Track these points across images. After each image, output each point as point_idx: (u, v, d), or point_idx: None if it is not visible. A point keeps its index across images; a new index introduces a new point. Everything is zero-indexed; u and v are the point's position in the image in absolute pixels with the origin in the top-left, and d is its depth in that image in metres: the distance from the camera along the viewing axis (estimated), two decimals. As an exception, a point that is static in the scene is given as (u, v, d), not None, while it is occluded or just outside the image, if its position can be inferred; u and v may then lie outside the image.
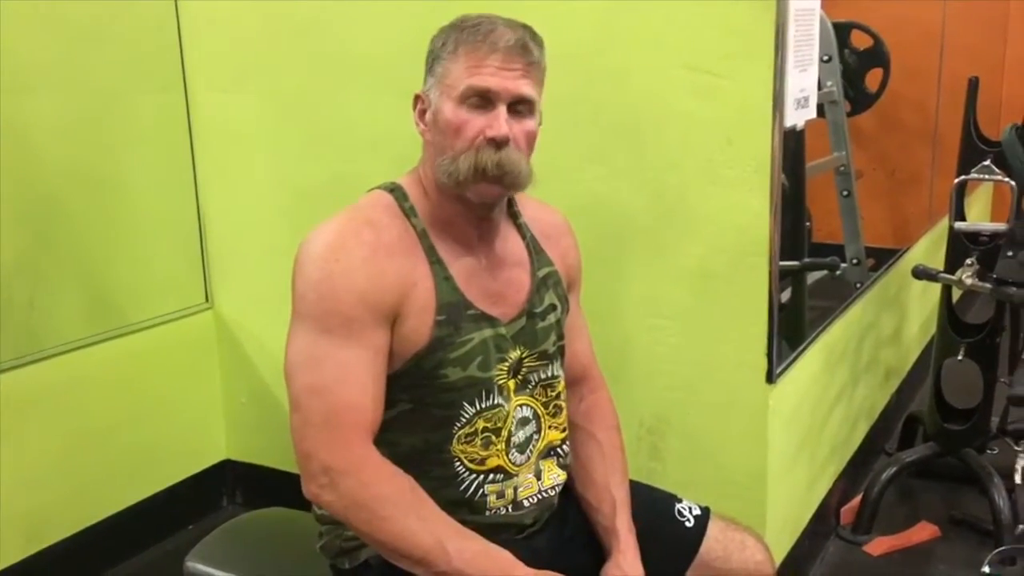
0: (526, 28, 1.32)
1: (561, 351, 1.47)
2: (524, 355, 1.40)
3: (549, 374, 1.44)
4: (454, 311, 1.32)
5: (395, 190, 1.37)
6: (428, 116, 1.34)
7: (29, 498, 2.22)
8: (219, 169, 2.54)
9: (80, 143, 2.31)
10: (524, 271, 1.43)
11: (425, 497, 1.27)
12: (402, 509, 1.23)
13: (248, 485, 2.71)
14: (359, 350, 1.26)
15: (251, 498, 2.69)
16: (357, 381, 1.26)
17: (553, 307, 1.44)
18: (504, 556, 1.26)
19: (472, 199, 1.32)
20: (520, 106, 1.30)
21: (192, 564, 1.58)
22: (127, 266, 2.45)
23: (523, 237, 1.45)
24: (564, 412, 1.48)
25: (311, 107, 2.32)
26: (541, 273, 1.44)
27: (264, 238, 2.49)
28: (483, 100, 1.28)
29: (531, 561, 1.30)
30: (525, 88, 1.29)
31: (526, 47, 1.29)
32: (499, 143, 1.27)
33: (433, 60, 1.33)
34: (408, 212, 1.35)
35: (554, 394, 1.45)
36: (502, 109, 1.28)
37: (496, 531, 1.35)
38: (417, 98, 1.37)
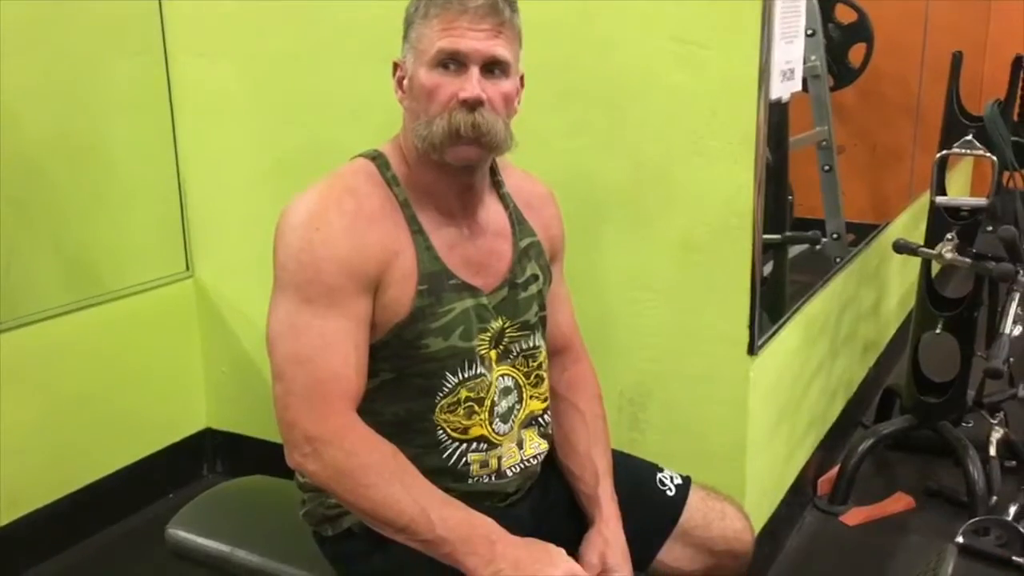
0: None
1: (543, 321, 1.47)
2: (506, 325, 1.40)
3: (531, 344, 1.44)
4: (435, 281, 1.32)
5: (377, 158, 1.36)
6: (405, 83, 1.33)
7: (7, 465, 2.21)
8: (199, 135, 2.51)
9: (58, 108, 2.28)
10: (506, 241, 1.42)
11: (408, 465, 1.27)
12: (385, 477, 1.23)
13: (229, 454, 2.71)
14: (341, 319, 1.26)
15: (232, 467, 2.69)
16: (340, 350, 1.26)
17: (535, 277, 1.44)
18: (487, 523, 1.26)
19: (451, 162, 1.30)
20: (494, 67, 1.28)
21: (173, 531, 1.58)
22: (106, 233, 2.42)
23: (505, 207, 1.45)
24: (546, 382, 1.48)
25: (292, 73, 2.30)
26: (523, 243, 1.44)
27: (245, 205, 2.47)
28: (456, 63, 1.27)
29: (513, 529, 1.30)
30: (497, 49, 1.27)
31: (496, 7, 1.27)
32: (472, 104, 1.26)
33: (407, 26, 1.32)
34: (390, 180, 1.34)
35: (535, 364, 1.45)
36: (474, 71, 1.27)
37: (479, 499, 1.36)
38: (395, 66, 1.36)
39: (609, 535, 1.41)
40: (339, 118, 2.23)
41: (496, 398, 1.38)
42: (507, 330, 1.40)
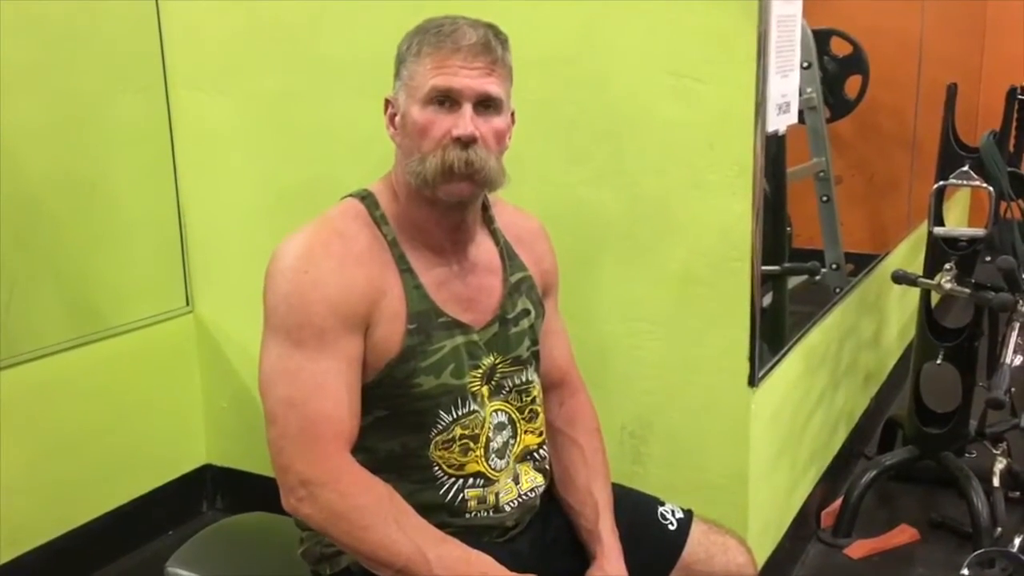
0: (489, 26, 1.32)
1: (536, 356, 1.47)
2: (498, 361, 1.40)
3: (523, 379, 1.44)
4: (424, 319, 1.32)
5: (367, 198, 1.37)
6: (398, 120, 1.34)
7: (7, 503, 2.20)
8: (200, 171, 2.52)
9: (59, 144, 2.29)
10: (496, 277, 1.43)
11: (404, 505, 1.27)
12: (381, 518, 1.23)
13: (229, 490, 2.69)
14: (332, 361, 1.26)
15: (232, 503, 2.68)
16: (332, 392, 1.26)
17: (527, 312, 1.45)
18: (484, 560, 1.26)
19: (443, 198, 1.30)
20: (487, 104, 1.29)
21: (173, 570, 1.56)
22: (106, 269, 2.43)
23: (496, 243, 1.45)
24: (540, 417, 1.48)
25: (293, 109, 2.32)
26: (514, 279, 1.44)
27: (245, 241, 2.48)
28: (449, 100, 1.28)
29: (513, 564, 1.30)
30: (490, 86, 1.29)
31: (488, 45, 1.29)
32: (465, 142, 1.27)
33: (399, 63, 1.34)
34: (379, 220, 1.35)
35: (529, 399, 1.45)
36: (467, 108, 1.28)
37: (478, 533, 1.35)
38: (387, 103, 1.37)
39: (611, 570, 1.40)
40: (339, 154, 2.24)
41: (491, 434, 1.38)
42: (499, 366, 1.40)
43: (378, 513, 1.23)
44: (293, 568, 1.44)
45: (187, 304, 2.61)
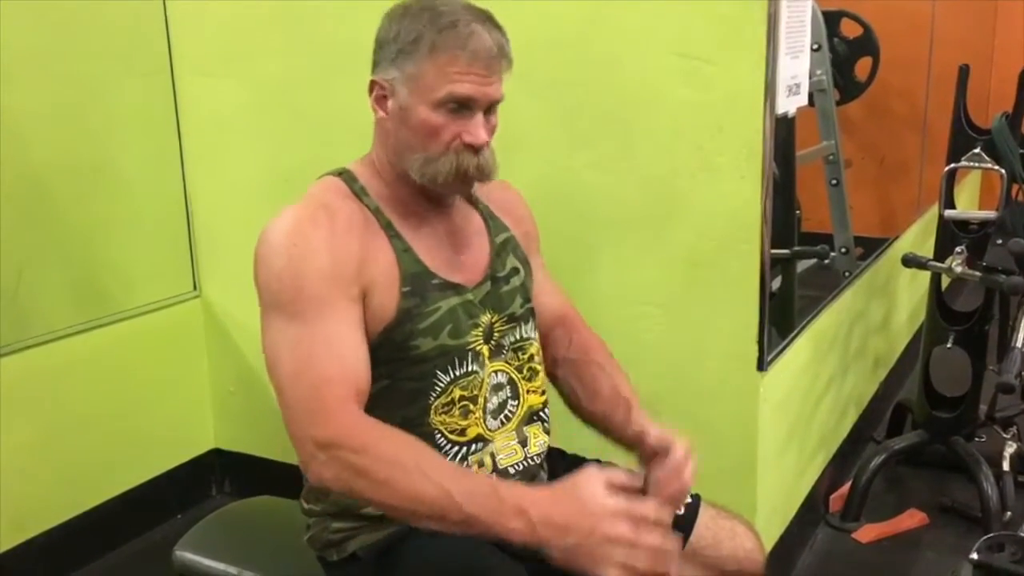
0: (495, 25, 1.31)
1: (530, 313, 1.47)
2: (494, 319, 1.40)
3: (519, 336, 1.44)
4: (418, 281, 1.33)
5: (343, 173, 1.39)
6: (392, 107, 1.33)
7: (16, 487, 2.21)
8: (206, 155, 2.52)
9: (66, 129, 2.29)
10: (482, 237, 1.45)
11: (423, 447, 1.23)
12: (402, 467, 1.18)
13: (237, 474, 2.70)
14: (332, 324, 1.25)
15: (240, 487, 2.68)
16: (334, 354, 1.25)
17: (516, 270, 1.46)
18: (515, 491, 1.19)
19: (447, 195, 1.36)
20: (491, 106, 1.32)
21: (181, 553, 1.57)
22: (114, 254, 2.43)
23: (477, 208, 1.48)
24: (540, 375, 1.48)
25: (299, 92, 2.31)
26: (499, 239, 1.46)
27: (251, 225, 2.42)
28: (460, 105, 1.29)
29: (520, 550, 1.29)
30: (500, 91, 1.31)
31: (503, 50, 1.30)
32: (478, 148, 1.30)
33: (398, 52, 1.31)
34: (359, 192, 1.36)
35: (526, 356, 1.45)
36: (480, 116, 1.30)
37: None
38: (375, 84, 1.35)
39: (677, 452, 1.36)
40: (345, 137, 2.21)
41: (488, 394, 1.38)
42: (496, 324, 1.41)
43: (398, 462, 1.19)
44: (301, 551, 1.44)
45: (194, 288, 2.61)
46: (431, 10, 1.30)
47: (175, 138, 2.51)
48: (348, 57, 2.19)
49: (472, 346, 1.36)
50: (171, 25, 2.45)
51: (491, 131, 1.33)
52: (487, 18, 1.31)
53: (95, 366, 2.39)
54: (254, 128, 2.41)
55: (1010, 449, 2.55)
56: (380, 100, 1.35)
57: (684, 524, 1.49)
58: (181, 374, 2.61)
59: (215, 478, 2.72)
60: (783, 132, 2.19)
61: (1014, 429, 2.62)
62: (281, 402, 1.26)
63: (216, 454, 2.71)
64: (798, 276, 2.65)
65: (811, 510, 2.47)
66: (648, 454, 1.39)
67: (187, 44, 2.45)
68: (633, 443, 1.42)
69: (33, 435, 2.25)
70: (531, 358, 1.46)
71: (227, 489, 2.72)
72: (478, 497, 1.16)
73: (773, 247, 1.91)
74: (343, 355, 1.25)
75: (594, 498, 1.13)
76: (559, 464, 1.51)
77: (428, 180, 1.31)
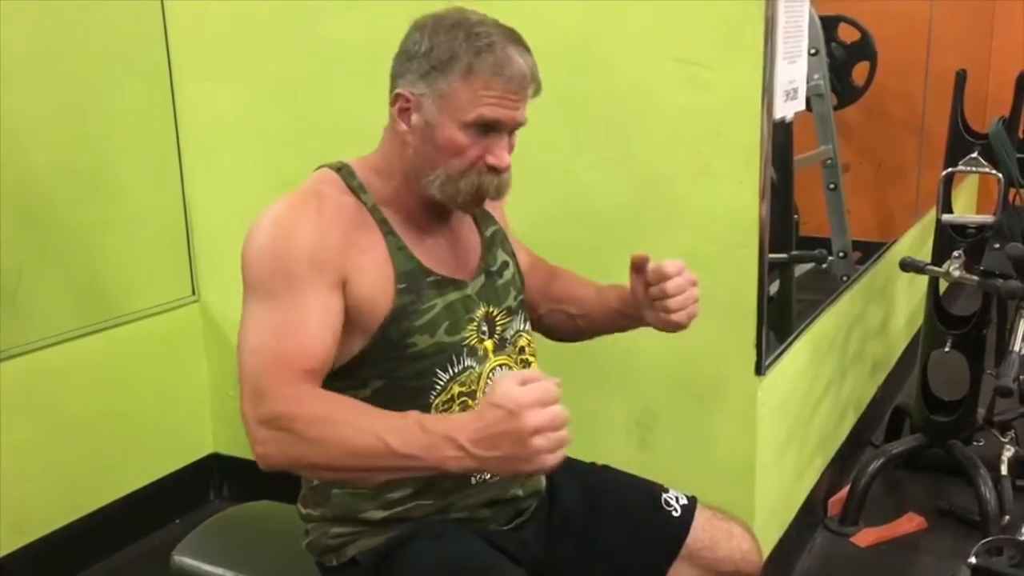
0: (528, 50, 1.30)
1: (523, 305, 1.48)
2: (493, 312, 1.41)
3: (514, 329, 1.45)
4: (413, 278, 1.32)
5: (342, 168, 1.37)
6: (416, 121, 1.31)
7: (15, 491, 2.20)
8: (205, 159, 2.52)
9: (65, 133, 2.29)
10: (472, 232, 1.46)
11: (353, 402, 1.21)
12: (331, 424, 1.16)
13: (236, 479, 2.70)
14: (301, 305, 1.23)
15: (239, 492, 2.68)
16: (295, 333, 1.22)
17: (506, 264, 1.47)
18: (439, 421, 1.19)
19: (461, 211, 1.37)
20: (516, 128, 1.33)
21: (179, 558, 1.57)
22: (113, 258, 2.43)
23: None
24: (534, 367, 1.47)
25: (297, 96, 2.31)
26: (488, 232, 1.47)
27: (251, 230, 2.47)
28: (488, 127, 1.29)
29: (521, 553, 1.29)
30: (526, 114, 1.31)
31: (534, 75, 1.30)
32: (501, 170, 1.30)
33: (431, 68, 1.28)
34: (356, 189, 1.35)
35: (518, 348, 1.45)
36: (506, 139, 1.31)
37: (490, 517, 1.35)
38: (400, 96, 1.32)
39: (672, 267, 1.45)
40: (344, 140, 2.20)
41: (486, 389, 1.38)
42: (496, 317, 1.41)
43: (327, 419, 1.16)
44: (299, 556, 1.44)
45: (193, 293, 2.61)
46: (465, 28, 1.28)
47: (174, 142, 2.51)
48: (347, 60, 2.20)
49: (468, 341, 1.36)
50: (170, 29, 2.45)
51: (511, 151, 1.33)
52: (519, 39, 1.30)
53: (94, 370, 2.39)
54: (253, 131, 2.41)
55: (1008, 453, 2.55)
56: (403, 112, 1.32)
57: (681, 526, 1.49)
58: (180, 378, 2.61)
59: (214, 482, 2.72)
60: (781, 136, 2.19)
61: (1012, 433, 2.62)
62: (239, 383, 1.24)
63: (215, 458, 2.71)
64: (796, 280, 2.65)
65: (809, 514, 2.47)
66: (640, 286, 1.46)
67: (186, 47, 2.45)
68: (627, 299, 1.50)
69: (32, 439, 2.25)
70: (522, 350, 1.46)
71: (225, 494, 2.72)
72: (408, 435, 1.12)
73: (771, 251, 1.92)
74: (305, 334, 1.23)
75: (508, 396, 1.07)
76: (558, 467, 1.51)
77: (447, 198, 1.31)
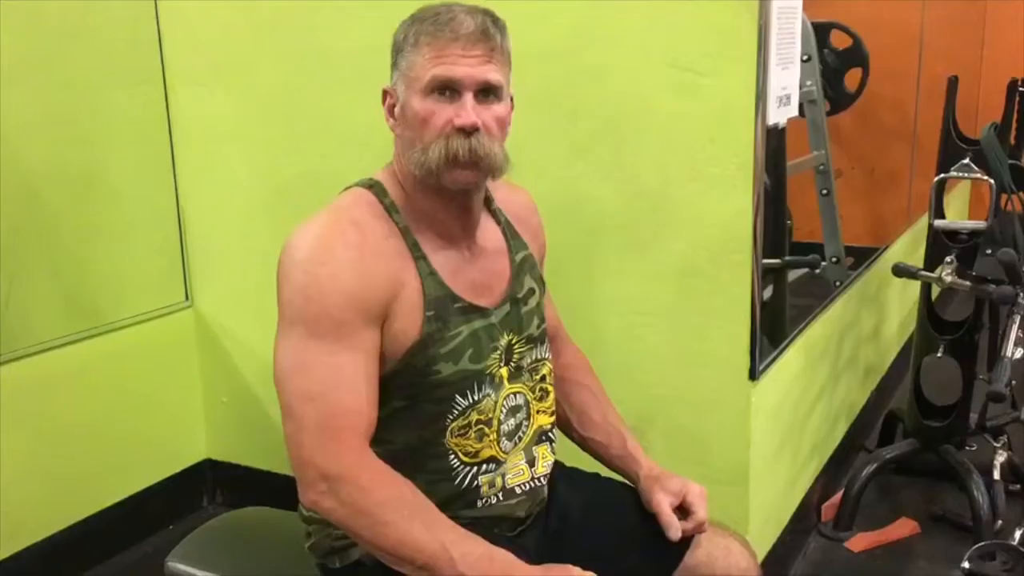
0: (486, 13, 1.30)
1: (544, 334, 1.47)
2: (513, 340, 1.40)
3: (535, 357, 1.44)
4: (441, 306, 1.32)
5: (374, 186, 1.36)
6: (397, 110, 1.33)
7: (8, 498, 2.20)
8: (199, 165, 2.52)
9: (58, 139, 2.29)
10: (503, 258, 1.43)
11: (425, 500, 1.25)
12: (403, 514, 1.22)
13: (229, 485, 2.69)
14: (351, 353, 1.25)
15: (232, 498, 2.68)
16: (350, 385, 1.24)
17: (532, 291, 1.46)
18: (506, 559, 1.24)
19: (449, 186, 1.30)
20: (487, 92, 1.29)
21: (173, 564, 1.56)
22: (105, 264, 2.42)
23: (498, 223, 1.46)
24: (551, 396, 1.48)
25: (291, 102, 2.31)
26: (519, 258, 1.45)
27: (244, 235, 2.47)
28: (449, 90, 1.27)
29: (522, 557, 1.29)
30: (490, 74, 1.28)
31: (487, 32, 1.28)
32: (468, 130, 1.27)
33: (396, 53, 1.33)
34: (389, 208, 1.34)
35: (539, 377, 1.45)
36: (468, 97, 1.27)
37: (488, 525, 1.35)
38: (385, 93, 1.36)
39: (660, 473, 1.47)
40: (338, 147, 2.24)
41: (503, 417, 1.38)
42: (515, 346, 1.40)
43: (399, 509, 1.22)
44: (293, 562, 1.44)
45: (186, 299, 2.61)
46: (426, 10, 1.30)
47: (167, 148, 2.51)
48: (341, 67, 2.20)
49: (490, 369, 1.36)
50: (163, 35, 2.45)
51: (496, 121, 1.30)
52: (477, 9, 1.30)
53: (87, 377, 2.38)
54: (247, 138, 2.41)
55: (1000, 458, 2.55)
56: (390, 109, 1.35)
57: (679, 542, 1.49)
58: (173, 384, 2.60)
59: (207, 489, 2.71)
60: (774, 142, 2.20)
61: (1004, 438, 2.62)
62: (287, 420, 1.25)
63: (208, 465, 2.71)
64: (789, 285, 2.66)
65: (803, 519, 2.47)
66: (649, 487, 1.47)
67: (179, 54, 2.45)
68: (631, 477, 1.51)
69: (25, 446, 2.24)
70: (543, 378, 1.46)
71: (219, 500, 2.72)
72: (470, 558, 1.21)
73: (764, 257, 1.92)
74: (358, 388, 1.25)
75: (570, 571, 1.22)
76: (559, 476, 1.51)
77: (425, 172, 1.28)
